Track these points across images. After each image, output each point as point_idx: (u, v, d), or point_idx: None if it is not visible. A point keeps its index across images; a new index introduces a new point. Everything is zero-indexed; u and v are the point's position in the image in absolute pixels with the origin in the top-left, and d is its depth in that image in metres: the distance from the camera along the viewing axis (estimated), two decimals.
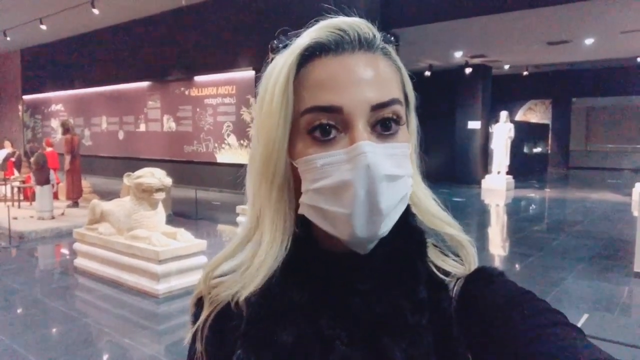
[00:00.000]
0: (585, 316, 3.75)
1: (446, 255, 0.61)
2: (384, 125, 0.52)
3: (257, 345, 0.54)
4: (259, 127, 0.55)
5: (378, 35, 0.55)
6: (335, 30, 0.53)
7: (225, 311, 0.59)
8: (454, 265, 0.60)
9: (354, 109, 0.50)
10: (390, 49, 0.56)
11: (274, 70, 0.54)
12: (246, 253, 0.59)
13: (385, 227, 0.51)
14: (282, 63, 0.53)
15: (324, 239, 0.55)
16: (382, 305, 0.53)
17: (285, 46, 0.55)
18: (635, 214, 9.72)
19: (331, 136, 0.51)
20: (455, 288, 0.57)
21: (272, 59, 0.56)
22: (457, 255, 0.61)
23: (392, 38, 0.57)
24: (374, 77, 0.52)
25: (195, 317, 0.62)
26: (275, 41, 0.56)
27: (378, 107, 0.51)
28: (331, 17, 0.55)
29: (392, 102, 0.52)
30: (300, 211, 0.55)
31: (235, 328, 0.57)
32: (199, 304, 0.63)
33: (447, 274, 0.58)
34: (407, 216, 0.57)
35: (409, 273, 0.55)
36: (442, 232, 0.60)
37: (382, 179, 0.49)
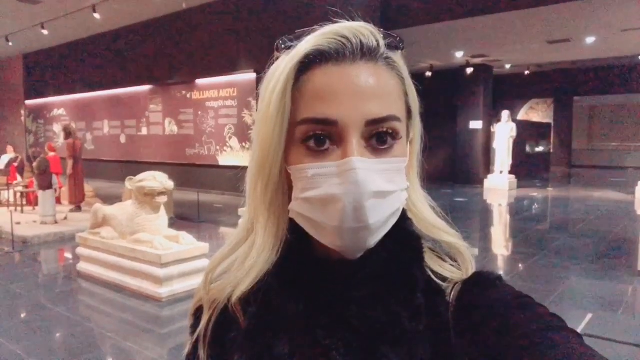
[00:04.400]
0: (589, 316, 3.73)
1: (443, 260, 0.60)
2: (379, 140, 0.51)
3: (254, 356, 0.54)
4: (257, 130, 0.55)
5: (382, 42, 0.53)
6: (337, 37, 0.52)
7: (224, 319, 0.59)
8: (451, 270, 0.59)
9: (349, 122, 0.50)
10: (396, 57, 0.55)
11: (274, 74, 0.54)
12: (239, 254, 0.59)
13: (373, 240, 0.51)
14: (281, 69, 0.53)
15: (317, 244, 0.55)
16: (379, 313, 0.52)
17: (288, 47, 0.54)
18: (639, 212, 9.69)
19: (325, 147, 0.51)
20: (453, 293, 0.56)
21: (277, 58, 0.55)
22: (454, 260, 0.60)
23: (401, 43, 0.56)
24: (373, 90, 0.51)
25: (194, 328, 0.62)
26: (280, 41, 0.55)
27: (374, 122, 0.50)
28: (336, 22, 0.54)
29: (389, 118, 0.51)
30: (291, 216, 0.55)
31: (234, 339, 0.57)
32: (198, 314, 0.63)
33: (444, 279, 0.57)
34: (403, 221, 0.57)
35: (405, 279, 0.55)
36: (440, 240, 0.60)
37: (370, 196, 0.49)
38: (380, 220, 0.50)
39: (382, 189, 0.50)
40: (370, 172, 0.49)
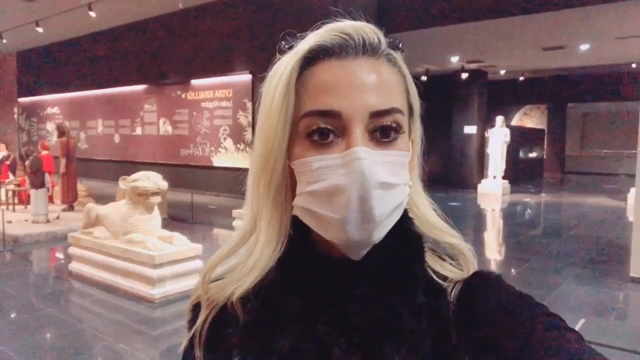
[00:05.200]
0: (582, 321, 3.75)
1: (444, 260, 0.60)
2: (383, 133, 0.51)
3: (254, 352, 0.54)
4: (259, 127, 0.55)
5: (384, 40, 0.54)
6: (339, 34, 0.52)
7: (222, 316, 0.59)
8: (451, 269, 0.59)
9: (353, 114, 0.50)
10: (396, 55, 0.56)
11: (277, 71, 0.54)
12: (242, 253, 0.58)
13: (378, 234, 0.51)
14: (285, 64, 0.53)
15: (319, 242, 0.55)
16: (380, 311, 0.52)
17: (291, 47, 0.54)
18: (631, 218, 9.74)
19: (329, 140, 0.51)
20: (453, 292, 0.57)
21: (279, 59, 0.56)
22: (454, 260, 0.60)
23: (401, 45, 0.57)
24: (375, 83, 0.51)
25: (191, 323, 0.62)
26: (282, 42, 0.56)
27: (377, 114, 0.51)
28: (337, 21, 0.54)
29: (392, 110, 0.51)
30: (294, 213, 0.55)
31: (232, 335, 0.57)
32: (196, 310, 0.62)
33: (444, 278, 0.58)
34: (405, 221, 0.57)
35: (407, 278, 0.55)
36: (442, 241, 0.60)
37: (376, 186, 0.49)
38: (384, 212, 0.50)
39: (386, 180, 0.50)
40: (374, 163, 0.49)
